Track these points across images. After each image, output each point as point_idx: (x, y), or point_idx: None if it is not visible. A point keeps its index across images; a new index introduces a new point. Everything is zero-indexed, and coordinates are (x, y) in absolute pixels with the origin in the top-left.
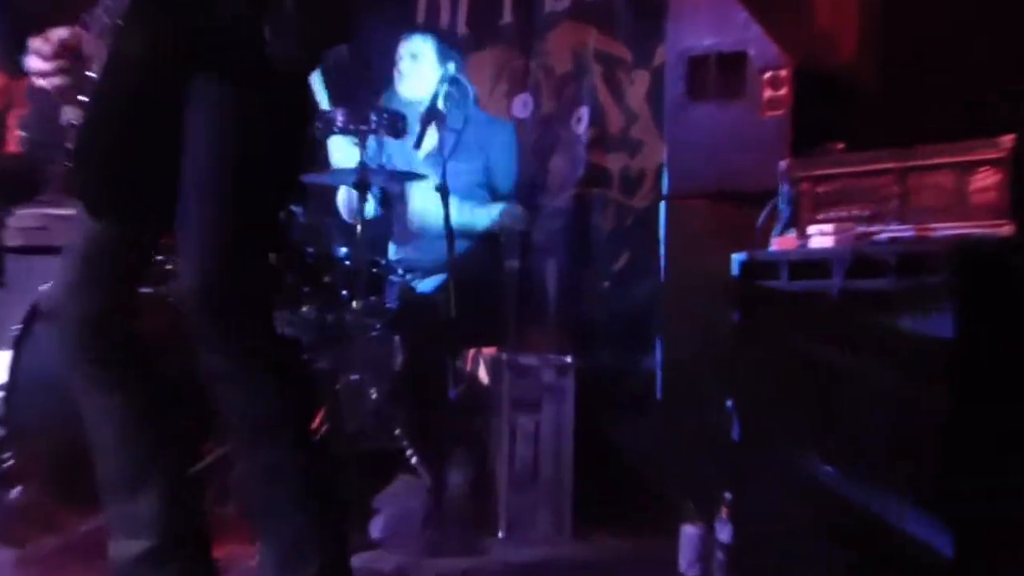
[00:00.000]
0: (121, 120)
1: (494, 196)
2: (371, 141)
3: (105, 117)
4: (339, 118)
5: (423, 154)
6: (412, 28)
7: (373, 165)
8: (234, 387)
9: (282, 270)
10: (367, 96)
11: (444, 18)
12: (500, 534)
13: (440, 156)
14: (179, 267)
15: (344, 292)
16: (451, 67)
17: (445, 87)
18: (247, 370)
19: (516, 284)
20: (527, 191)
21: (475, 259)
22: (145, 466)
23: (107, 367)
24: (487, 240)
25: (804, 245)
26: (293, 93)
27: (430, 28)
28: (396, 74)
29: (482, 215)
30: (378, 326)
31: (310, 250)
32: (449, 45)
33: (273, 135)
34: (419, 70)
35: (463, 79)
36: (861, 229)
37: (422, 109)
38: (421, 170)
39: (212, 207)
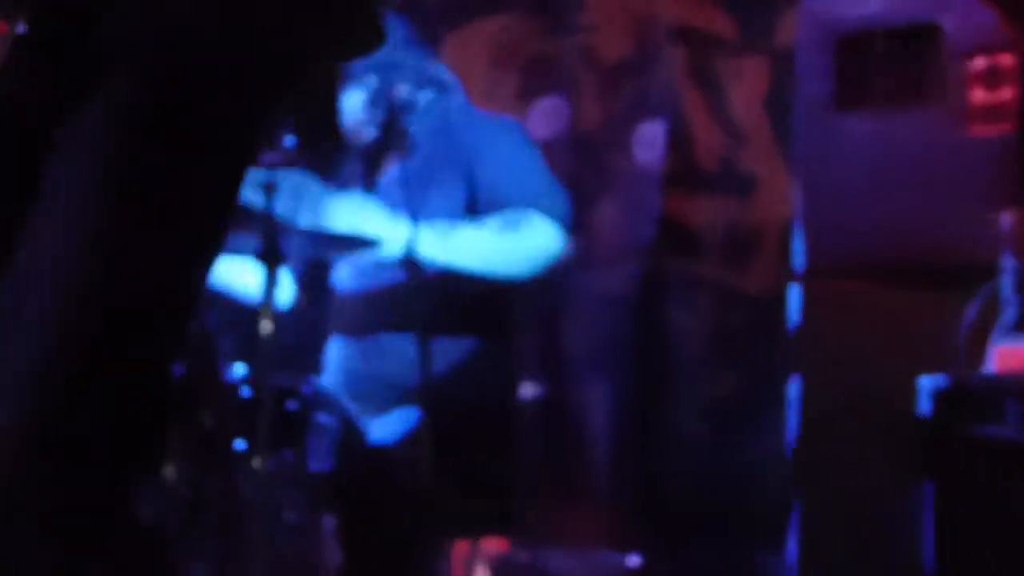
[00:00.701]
0: None
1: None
2: (287, 179)
3: None
4: None
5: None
6: None
7: (291, 222)
8: None
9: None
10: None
11: None
12: None
13: (405, 205)
14: None
15: (238, 442)
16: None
17: (407, 89)
18: None
19: (539, 424)
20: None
21: (468, 381)
22: None
23: None
24: (489, 346)
25: None
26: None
27: None
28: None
29: (502, 258)
30: (297, 502)
31: (178, 369)
32: (407, 22)
33: (192, 176)
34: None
35: (440, 71)
36: None
37: (369, 126)
38: (372, 230)
39: (50, 296)
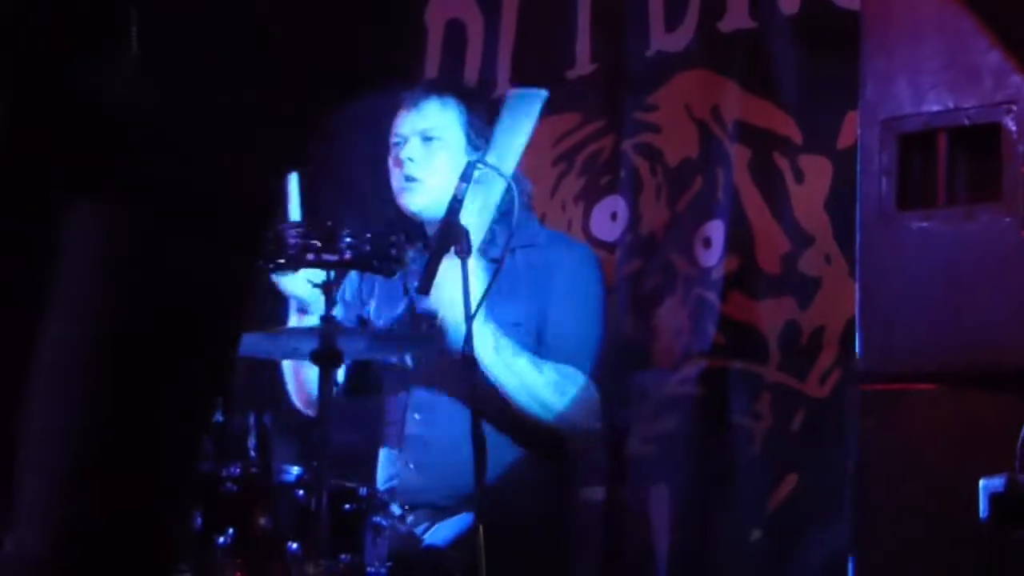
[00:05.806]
0: None
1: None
2: (347, 280)
3: None
4: (290, 240)
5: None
6: (418, 86)
7: (348, 322)
8: None
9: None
10: (339, 203)
11: (471, 67)
12: None
13: (462, 306)
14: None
15: (293, 545)
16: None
17: (469, 187)
18: None
19: (599, 531)
20: (615, 365)
21: (525, 486)
22: None
23: None
24: (547, 452)
25: None
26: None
27: (450, 85)
28: (393, 171)
29: (539, 403)
30: None
31: (235, 471)
32: (482, 115)
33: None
34: (436, 163)
35: (503, 171)
36: None
37: (429, 225)
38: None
39: (71, 403)
